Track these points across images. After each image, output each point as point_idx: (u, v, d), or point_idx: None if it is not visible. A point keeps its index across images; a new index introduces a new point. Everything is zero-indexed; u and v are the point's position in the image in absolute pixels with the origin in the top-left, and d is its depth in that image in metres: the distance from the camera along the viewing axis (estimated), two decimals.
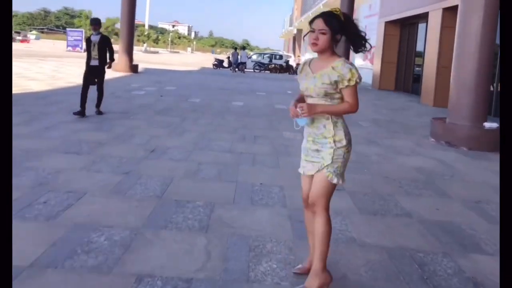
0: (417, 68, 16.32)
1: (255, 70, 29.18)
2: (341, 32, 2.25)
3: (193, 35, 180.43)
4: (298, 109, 2.20)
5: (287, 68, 29.45)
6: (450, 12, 12.13)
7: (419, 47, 16.40)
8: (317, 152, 2.30)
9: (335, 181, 2.26)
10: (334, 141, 2.26)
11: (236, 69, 28.24)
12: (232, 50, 31.04)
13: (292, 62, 31.70)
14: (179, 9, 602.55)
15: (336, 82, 2.22)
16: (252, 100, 11.52)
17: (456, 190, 4.53)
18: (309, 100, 2.31)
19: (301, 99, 2.38)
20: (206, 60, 47.34)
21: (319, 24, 2.21)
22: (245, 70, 28.62)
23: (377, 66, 18.95)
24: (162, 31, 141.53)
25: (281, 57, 31.77)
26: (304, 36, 2.47)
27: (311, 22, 2.26)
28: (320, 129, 2.29)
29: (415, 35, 16.81)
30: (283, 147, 5.94)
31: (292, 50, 57.94)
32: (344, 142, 2.27)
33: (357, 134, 7.03)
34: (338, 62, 2.24)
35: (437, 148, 6.75)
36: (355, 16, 18.13)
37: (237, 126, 7.44)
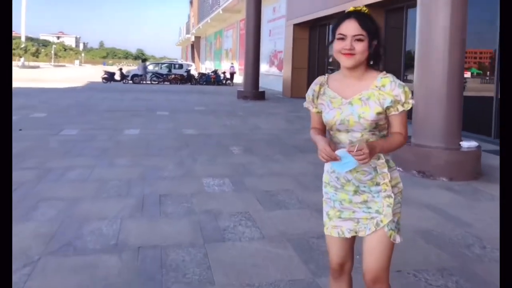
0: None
1: (153, 82, 26.16)
2: (377, 38, 1.71)
3: (81, 46, 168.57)
4: (352, 153, 1.57)
5: (188, 78, 26.93)
6: (372, 9, 10.85)
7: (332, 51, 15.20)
8: (365, 204, 1.75)
9: (398, 240, 1.74)
10: (392, 187, 1.72)
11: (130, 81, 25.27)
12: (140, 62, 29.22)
13: (194, 71, 29.33)
14: (64, 19, 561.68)
15: (388, 108, 1.68)
16: (151, 125, 8.94)
17: None
18: (343, 136, 1.73)
19: (321, 133, 1.79)
20: (96, 73, 42.63)
21: (353, 27, 1.68)
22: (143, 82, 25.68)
23: (287, 72, 17.49)
24: (45, 43, 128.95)
25: (181, 66, 29.07)
26: (330, 42, 1.76)
27: (336, 27, 1.72)
28: (369, 173, 1.72)
29: (326, 38, 15.59)
30: (211, 219, 3.60)
31: (190, 58, 55.66)
32: (401, 185, 1.78)
33: (305, 170, 5.00)
34: (385, 79, 1.70)
35: (414, 182, 4.96)
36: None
37: (131, 176, 4.92)
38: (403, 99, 1.68)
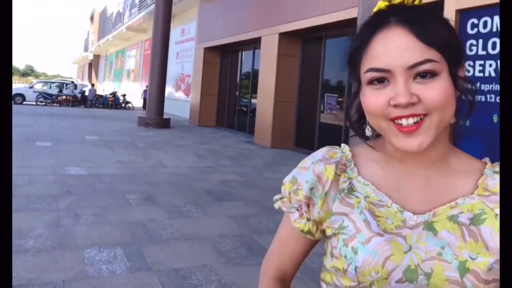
0: (245, 101, 14.33)
1: (39, 103, 23.07)
2: (461, 60, 0.69)
3: None
4: None
5: (82, 100, 24.32)
6: (288, 38, 10.32)
7: (245, 78, 14.50)
8: None
9: None
10: None
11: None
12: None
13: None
14: None
15: None
16: (25, 162, 7.11)
17: None
18: None
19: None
20: None
21: (404, 46, 0.65)
22: (25, 102, 22.53)
23: (195, 98, 16.38)
24: None
25: (75, 86, 26.29)
26: (355, 93, 0.75)
27: (359, 52, 0.71)
28: None
29: (239, 64, 14.87)
30: None
31: (87, 78, 51.80)
32: None
33: (226, 230, 3.87)
34: None
35: None
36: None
37: None
38: None
